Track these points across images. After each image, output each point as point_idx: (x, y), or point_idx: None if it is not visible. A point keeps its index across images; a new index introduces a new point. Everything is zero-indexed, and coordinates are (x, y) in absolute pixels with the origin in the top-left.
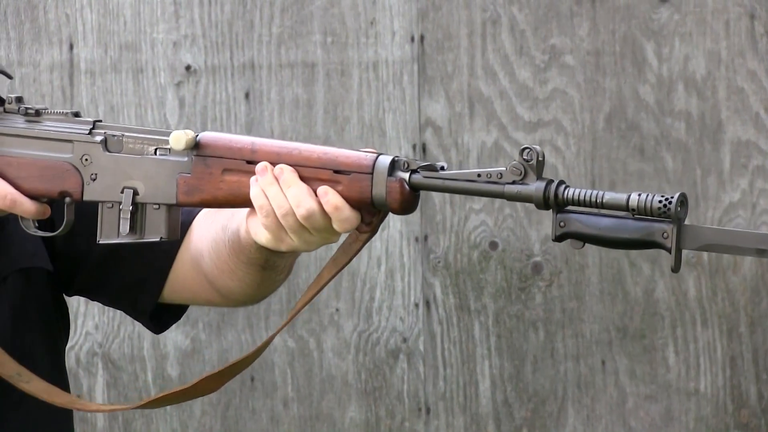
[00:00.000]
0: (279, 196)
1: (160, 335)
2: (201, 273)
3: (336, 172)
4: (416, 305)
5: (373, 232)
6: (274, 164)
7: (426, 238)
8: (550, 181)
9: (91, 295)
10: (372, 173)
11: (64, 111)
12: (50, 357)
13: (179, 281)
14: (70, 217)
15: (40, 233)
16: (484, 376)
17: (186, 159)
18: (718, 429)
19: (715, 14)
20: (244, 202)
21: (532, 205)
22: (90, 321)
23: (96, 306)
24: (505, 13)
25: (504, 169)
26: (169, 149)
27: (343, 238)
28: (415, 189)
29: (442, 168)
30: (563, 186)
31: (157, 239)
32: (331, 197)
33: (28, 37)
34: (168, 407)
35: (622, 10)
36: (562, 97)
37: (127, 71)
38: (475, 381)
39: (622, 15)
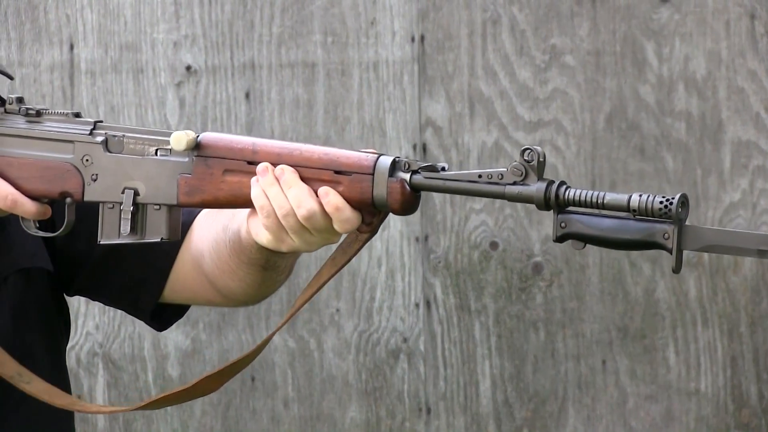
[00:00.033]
0: (280, 196)
1: (160, 336)
2: (202, 273)
3: (337, 172)
4: (417, 305)
5: (373, 232)
6: (275, 165)
7: (426, 238)
8: (551, 182)
9: (92, 295)
10: (373, 174)
11: (65, 111)
12: (51, 357)
13: (180, 281)
14: (71, 217)
15: (41, 233)
16: (485, 376)
17: (187, 159)
18: (719, 429)
19: (716, 14)
20: (245, 202)
21: (532, 206)
22: (90, 321)
23: (96, 306)
24: (505, 13)
25: (505, 169)
26: (170, 150)
27: (343, 238)
28: (415, 190)
29: (443, 168)
30: (564, 187)
31: (158, 240)
32: (332, 198)
33: (29, 37)
34: (168, 407)
35: (623, 10)
36: (563, 97)
37: (128, 71)
38: (476, 381)
39: (623, 15)
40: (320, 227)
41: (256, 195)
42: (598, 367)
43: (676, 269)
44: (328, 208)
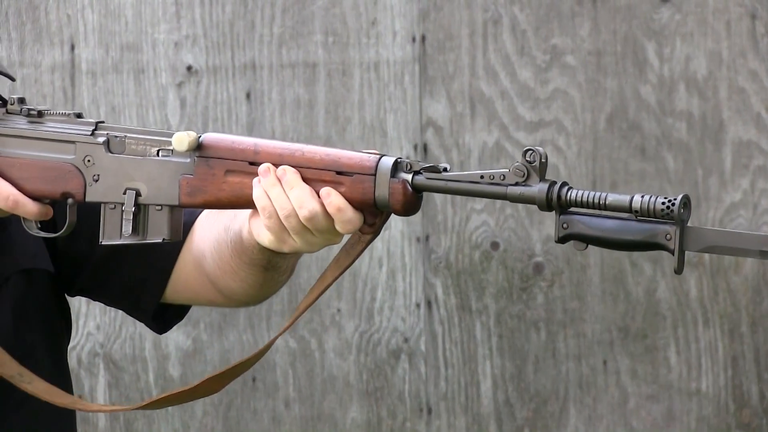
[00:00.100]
0: (282, 197)
1: (161, 336)
2: (203, 273)
3: (339, 173)
4: (417, 305)
5: (376, 233)
6: (276, 165)
7: (427, 238)
8: (553, 183)
9: (93, 295)
10: (375, 174)
11: (67, 112)
12: (52, 357)
13: (181, 282)
14: (73, 218)
15: (43, 234)
16: (486, 376)
17: (188, 160)
18: (720, 429)
19: (716, 14)
20: (247, 203)
21: (534, 206)
22: (91, 321)
23: (97, 306)
24: (506, 13)
25: (507, 170)
26: (172, 150)
27: (345, 239)
28: (417, 190)
29: (445, 169)
30: (566, 188)
31: (160, 240)
32: (333, 198)
33: (30, 37)
34: (169, 407)
35: (623, 10)
36: (564, 98)
37: (129, 72)
38: (477, 381)
39: (624, 15)
40: (322, 228)
41: (257, 196)
42: (599, 367)
43: (678, 270)
44: (330, 209)
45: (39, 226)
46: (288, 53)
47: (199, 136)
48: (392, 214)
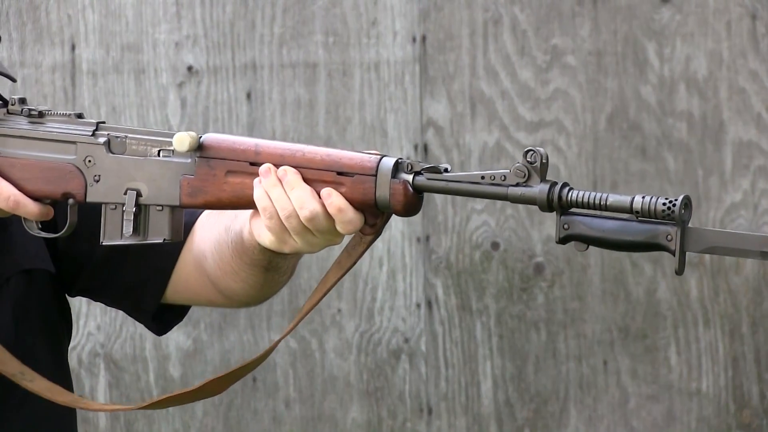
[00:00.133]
0: (282, 197)
1: (162, 336)
2: (204, 274)
3: (339, 173)
4: (418, 306)
5: (377, 234)
6: (277, 166)
7: (428, 238)
8: (554, 184)
9: (94, 295)
10: (376, 175)
11: (68, 112)
12: (53, 357)
13: (182, 282)
14: (73, 218)
15: (43, 234)
16: (486, 377)
17: (189, 161)
18: (720, 429)
19: (717, 14)
20: (248, 203)
21: (534, 206)
22: (92, 321)
23: (98, 306)
24: (506, 13)
25: (508, 171)
26: (173, 151)
27: (346, 239)
28: (418, 191)
29: (446, 170)
30: (567, 188)
31: (161, 241)
32: (334, 199)
33: (30, 37)
34: (170, 408)
35: (624, 10)
36: (564, 98)
37: (129, 72)
38: (477, 381)
39: (624, 15)
40: (323, 228)
41: (258, 196)
42: (599, 367)
43: (679, 271)
44: (330, 210)
45: (40, 226)
46: (288, 53)
47: (200, 137)
48: (393, 215)
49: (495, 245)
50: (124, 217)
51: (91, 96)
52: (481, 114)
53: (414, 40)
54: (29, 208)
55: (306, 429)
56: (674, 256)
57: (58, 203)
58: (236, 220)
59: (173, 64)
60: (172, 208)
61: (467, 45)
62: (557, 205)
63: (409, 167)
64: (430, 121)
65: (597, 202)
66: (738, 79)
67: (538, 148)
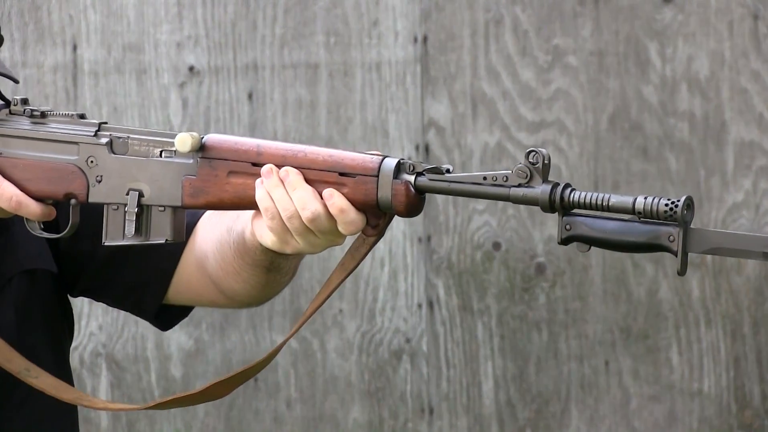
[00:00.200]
0: (284, 198)
1: (163, 336)
2: (205, 274)
3: (341, 174)
4: (419, 306)
5: (380, 235)
6: (279, 166)
7: (429, 238)
8: (556, 184)
9: (96, 295)
10: (377, 176)
11: (70, 113)
12: (55, 357)
13: (183, 282)
14: (75, 218)
15: (46, 235)
16: (488, 377)
17: (191, 161)
18: (722, 430)
19: (719, 15)
20: (250, 204)
21: (536, 207)
22: (94, 321)
23: (100, 306)
24: (508, 13)
25: (510, 172)
26: (175, 151)
27: (348, 241)
28: (420, 192)
29: (448, 170)
30: (569, 189)
31: (163, 241)
32: (336, 200)
33: (32, 38)
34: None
35: (626, 10)
36: (566, 98)
37: (131, 72)
38: (479, 382)
39: (626, 15)
40: (325, 229)
41: (260, 197)
42: (601, 367)
43: (681, 272)
44: (332, 210)
45: (42, 226)
46: (290, 54)
47: (202, 137)
48: (395, 216)
49: (496, 245)
50: (126, 218)
51: (93, 96)
52: (483, 114)
53: (415, 40)
54: (31, 208)
55: (307, 429)
56: (676, 257)
57: (60, 204)
58: (238, 220)
59: (175, 64)
60: (174, 208)
61: (468, 45)
62: (559, 206)
63: (411, 168)
64: (431, 122)
65: (599, 202)
66: (740, 79)
67: (540, 149)
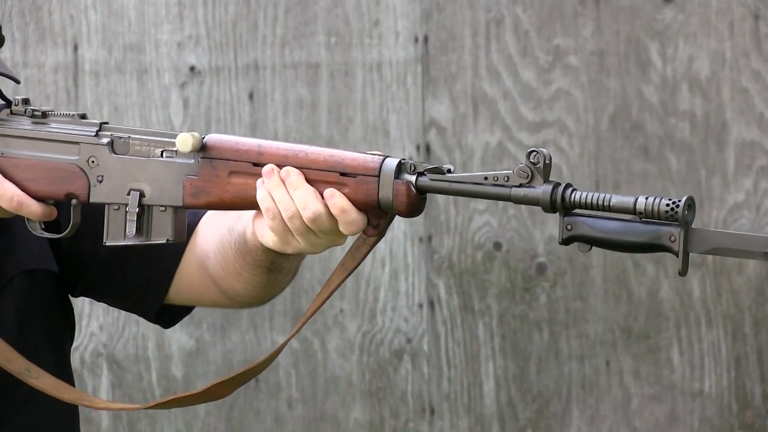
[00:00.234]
0: (285, 198)
1: (164, 336)
2: (207, 274)
3: (343, 174)
4: (420, 306)
5: (381, 235)
6: (280, 167)
7: (430, 238)
8: (557, 185)
9: (97, 295)
10: (379, 176)
11: (71, 113)
12: (56, 357)
13: (185, 282)
14: (77, 219)
15: (47, 235)
16: (489, 377)
17: (192, 161)
18: (723, 430)
19: (720, 14)
20: (251, 204)
21: (537, 207)
22: (95, 321)
23: (101, 306)
24: (509, 13)
25: (511, 172)
26: (176, 151)
27: (349, 241)
28: (421, 192)
29: (449, 171)
30: (570, 189)
31: (164, 241)
32: (337, 200)
33: (33, 38)
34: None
35: (626, 10)
36: (566, 98)
37: (132, 72)
38: (480, 381)
39: (626, 15)
40: (326, 229)
41: (261, 197)
42: (601, 367)
43: (683, 272)
44: (333, 210)
45: (43, 226)
46: (291, 54)
47: (203, 137)
48: (396, 216)
49: (497, 245)
50: (127, 218)
51: (94, 96)
52: (484, 114)
53: (416, 40)
54: (32, 208)
55: (308, 429)
56: (677, 257)
57: (61, 204)
58: (239, 220)
59: (175, 64)
60: (175, 208)
61: (469, 45)
62: (560, 206)
63: (412, 168)
64: (432, 122)
65: (600, 203)
66: (741, 79)
67: (541, 149)
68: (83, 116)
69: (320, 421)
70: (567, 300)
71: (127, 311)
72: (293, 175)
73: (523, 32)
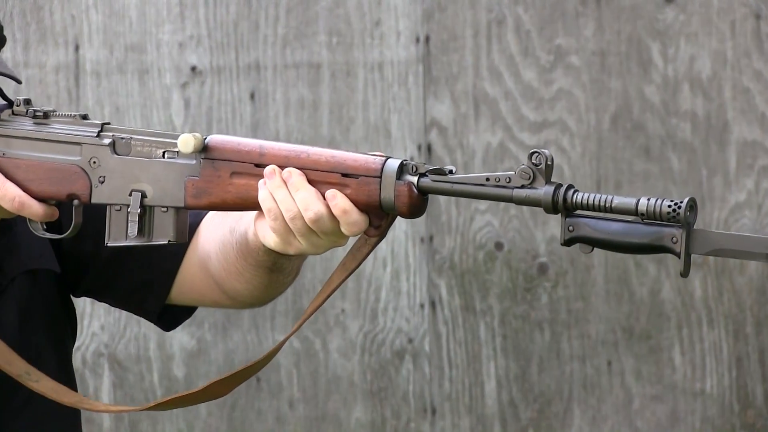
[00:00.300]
0: (287, 199)
1: (165, 336)
2: (208, 275)
3: (344, 175)
4: (422, 306)
5: (382, 236)
6: (282, 167)
7: (431, 238)
8: (559, 186)
9: (98, 296)
10: (380, 177)
11: (73, 113)
12: (57, 357)
13: (186, 283)
14: (78, 219)
15: (48, 235)
16: (490, 377)
17: (194, 162)
18: (725, 429)
19: (721, 14)
20: (253, 205)
21: (539, 208)
22: (96, 322)
23: (102, 307)
24: (510, 13)
25: (513, 173)
26: (177, 152)
27: (350, 241)
28: (423, 193)
29: (451, 171)
30: (572, 190)
31: (165, 242)
32: (339, 201)
33: (34, 38)
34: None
35: (628, 10)
36: (568, 98)
37: (133, 72)
38: (481, 382)
39: (628, 15)
40: (327, 230)
41: (263, 198)
42: (603, 367)
43: (685, 273)
44: (335, 211)
45: (45, 227)
46: (292, 54)
47: (205, 138)
48: (398, 217)
49: (499, 245)
50: (129, 219)
51: (95, 96)
52: (485, 114)
53: (417, 40)
54: (34, 209)
55: (310, 429)
56: (679, 258)
57: (63, 204)
58: (241, 221)
59: (177, 64)
60: (177, 209)
61: (471, 45)
62: (562, 207)
63: (414, 169)
64: (433, 122)
65: (602, 204)
66: (742, 79)
67: (543, 150)
68: (85, 117)
69: (322, 421)
70: (568, 300)
71: (129, 311)
72: (295, 176)
73: (525, 32)
